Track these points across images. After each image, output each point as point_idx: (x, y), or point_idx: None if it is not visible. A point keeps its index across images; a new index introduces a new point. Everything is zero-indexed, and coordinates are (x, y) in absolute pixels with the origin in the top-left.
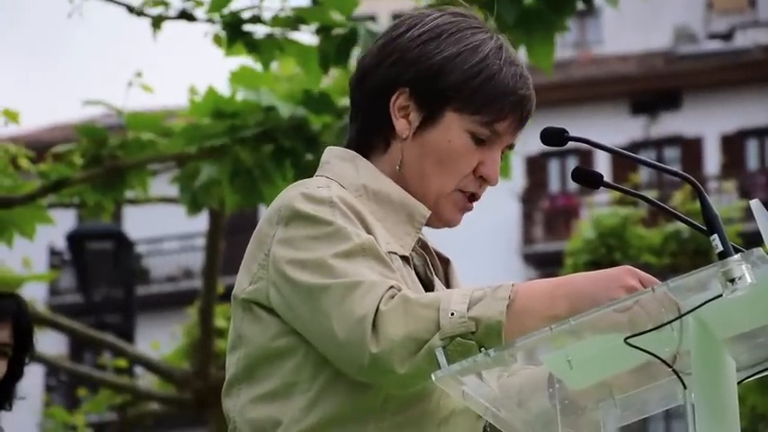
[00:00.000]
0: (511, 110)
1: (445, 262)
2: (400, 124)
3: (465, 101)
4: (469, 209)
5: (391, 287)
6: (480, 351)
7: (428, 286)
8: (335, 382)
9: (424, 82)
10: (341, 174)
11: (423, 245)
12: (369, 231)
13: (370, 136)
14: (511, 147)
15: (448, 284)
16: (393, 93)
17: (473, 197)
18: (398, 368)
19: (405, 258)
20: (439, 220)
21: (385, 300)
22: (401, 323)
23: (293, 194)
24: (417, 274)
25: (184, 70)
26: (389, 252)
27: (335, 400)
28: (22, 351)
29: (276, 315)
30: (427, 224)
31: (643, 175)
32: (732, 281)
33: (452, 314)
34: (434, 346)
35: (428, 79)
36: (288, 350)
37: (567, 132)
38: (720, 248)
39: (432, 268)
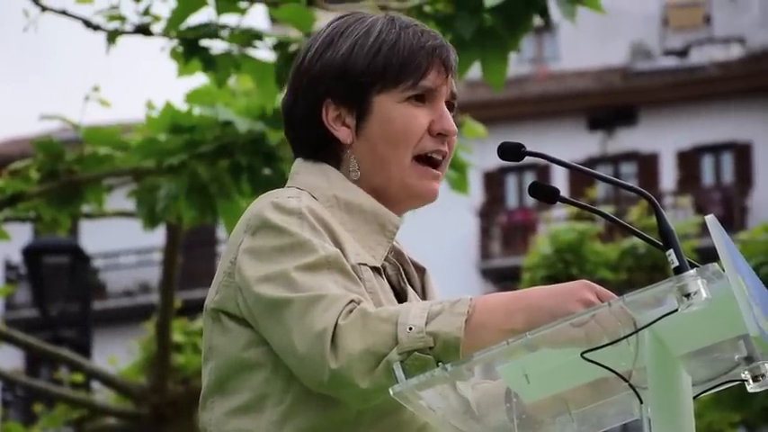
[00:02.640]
0: (428, 63)
1: (421, 271)
2: (342, 133)
3: (382, 79)
4: (439, 176)
5: (351, 301)
6: (438, 365)
7: (401, 296)
8: (308, 395)
9: (338, 86)
10: (312, 184)
11: (397, 254)
12: (337, 243)
13: (322, 158)
14: (453, 96)
15: (424, 293)
16: (320, 111)
17: (442, 159)
18: (359, 382)
19: (377, 269)
20: (414, 196)
21: (344, 314)
22: (359, 338)
23: (263, 204)
24: (391, 283)
25: (141, 84)
26: (360, 264)
27: (308, 413)
28: None
29: (245, 325)
30: (408, 206)
31: (600, 190)
32: (688, 296)
33: (410, 329)
34: (392, 361)
35: (340, 81)
36: (257, 362)
37: (525, 147)
38: (676, 263)
39: (405, 277)
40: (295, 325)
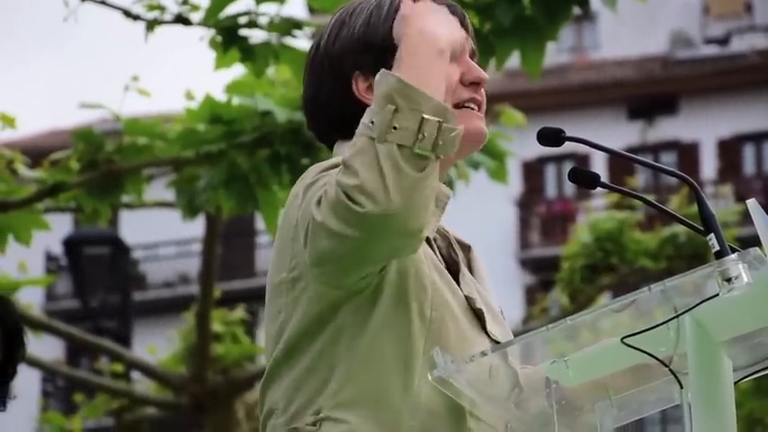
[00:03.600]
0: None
1: (467, 249)
2: None
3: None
4: (481, 116)
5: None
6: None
7: (451, 267)
8: (369, 355)
9: (364, 56)
10: None
11: (441, 232)
12: None
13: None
14: (473, 54)
15: (471, 271)
16: (350, 87)
17: (478, 106)
18: (383, 199)
19: (427, 240)
20: (466, 140)
21: (332, 175)
22: (351, 170)
23: (310, 171)
24: (441, 255)
25: (181, 75)
26: None
27: (370, 373)
28: (11, 351)
29: (312, 293)
30: (462, 152)
31: (640, 179)
32: (729, 280)
33: (371, 122)
34: (389, 151)
35: (364, 51)
36: (325, 326)
37: (564, 132)
38: (717, 248)
39: (455, 250)
40: (328, 215)
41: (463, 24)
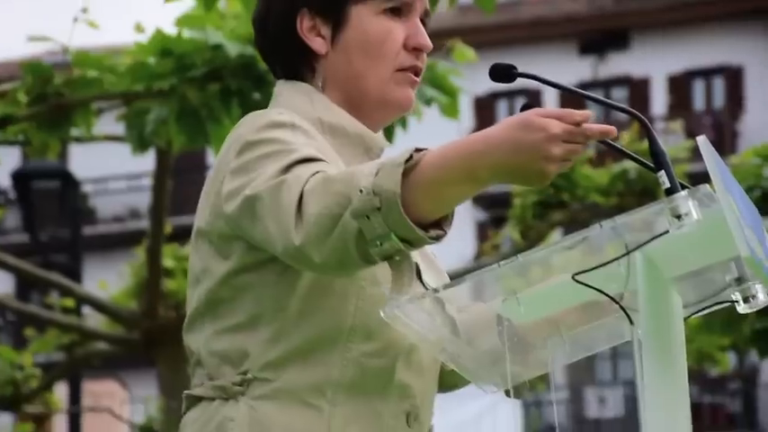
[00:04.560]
0: None
1: None
2: (317, 43)
3: None
4: (416, 83)
5: (318, 172)
6: (394, 236)
7: None
8: (299, 314)
9: None
10: (296, 106)
11: None
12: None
13: (295, 69)
14: (427, 14)
15: None
16: (294, 22)
17: (416, 72)
18: (318, 249)
19: None
20: (392, 107)
21: (309, 182)
22: (319, 201)
23: (249, 125)
24: None
25: (130, 7)
26: None
27: (300, 331)
28: None
29: (239, 247)
30: (385, 119)
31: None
32: (679, 217)
33: (361, 190)
34: (347, 226)
35: None
36: (249, 283)
37: (516, 68)
38: (667, 185)
39: None
40: (267, 213)
41: None
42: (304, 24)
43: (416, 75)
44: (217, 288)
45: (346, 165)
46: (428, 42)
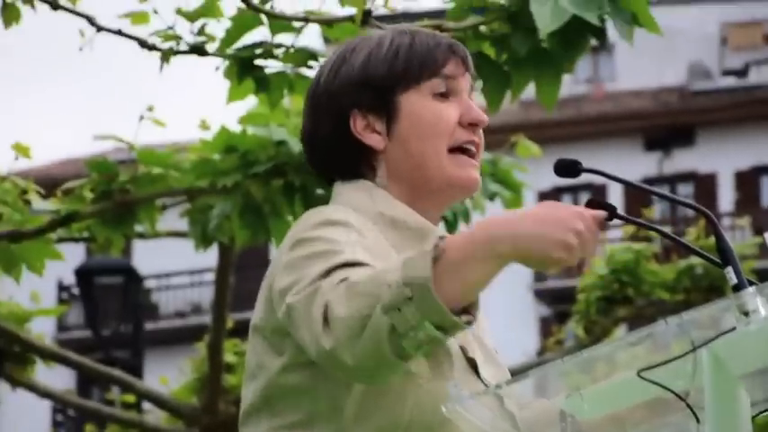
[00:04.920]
0: (445, 55)
1: None
2: (374, 140)
3: (404, 78)
4: (476, 164)
5: (344, 279)
6: (426, 325)
7: None
8: (356, 415)
9: (362, 93)
10: (356, 203)
11: None
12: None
13: (355, 173)
14: (473, 89)
15: None
16: (347, 125)
17: (474, 151)
18: (350, 353)
19: None
20: (455, 187)
21: (333, 290)
22: (345, 305)
23: (306, 220)
24: None
25: (195, 105)
26: None
27: (357, 430)
28: None
29: (290, 343)
30: (450, 200)
31: (656, 210)
32: (746, 314)
33: (390, 285)
34: (379, 322)
35: (363, 88)
36: (303, 382)
37: (580, 164)
38: (734, 281)
39: None
40: (302, 322)
41: (463, 60)
42: (357, 124)
43: (476, 150)
44: (272, 384)
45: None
46: (483, 116)
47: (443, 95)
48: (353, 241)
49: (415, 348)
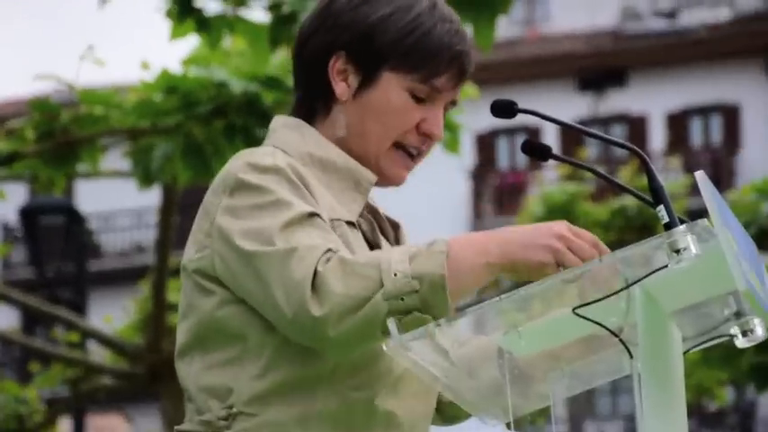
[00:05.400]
0: (447, 66)
1: (395, 227)
2: (340, 88)
3: (401, 60)
4: (411, 166)
5: (329, 249)
6: (424, 316)
7: (375, 250)
8: (285, 349)
9: (359, 44)
10: (287, 142)
11: (372, 210)
12: (313, 198)
13: (311, 102)
14: (454, 103)
15: None
16: (330, 57)
17: (417, 155)
18: (341, 327)
19: (351, 224)
20: (383, 178)
21: (323, 261)
22: (341, 282)
23: (239, 164)
24: (366, 239)
25: (136, 45)
26: (334, 219)
27: (286, 366)
28: None
29: (222, 285)
30: (375, 185)
31: (590, 151)
32: (678, 252)
33: (395, 274)
34: (378, 307)
35: (363, 41)
36: (234, 319)
37: (516, 104)
38: (666, 220)
39: (381, 233)
40: (274, 277)
41: (462, 74)
42: (336, 65)
43: (418, 155)
44: (203, 323)
45: (335, 197)
46: (440, 134)
47: (419, 98)
48: (291, 192)
49: (401, 329)
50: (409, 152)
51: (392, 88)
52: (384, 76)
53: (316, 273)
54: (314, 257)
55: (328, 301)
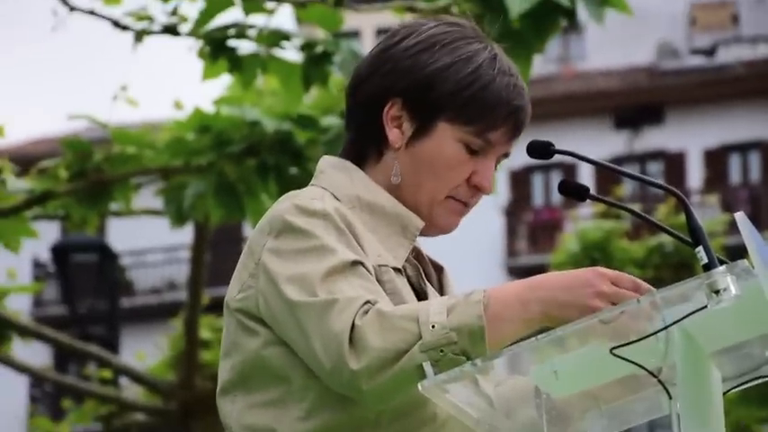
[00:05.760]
0: (504, 120)
1: (439, 270)
2: (393, 134)
3: (457, 111)
4: (464, 213)
5: (367, 302)
6: (465, 360)
7: (421, 296)
8: (328, 394)
9: (416, 92)
10: (335, 184)
11: (417, 253)
12: (359, 244)
13: (363, 145)
14: (506, 155)
15: (441, 292)
16: (386, 102)
17: (467, 205)
18: (379, 380)
19: (397, 270)
20: (435, 227)
21: (360, 314)
22: (378, 336)
23: (286, 206)
24: (411, 284)
25: (169, 84)
26: (380, 265)
27: (329, 410)
28: None
29: (266, 325)
30: (423, 233)
31: (626, 189)
32: (717, 292)
33: (433, 326)
34: (416, 358)
35: (421, 89)
36: (278, 360)
37: (553, 145)
38: (705, 260)
39: (425, 277)
40: (313, 328)
41: (518, 128)
42: (391, 111)
43: (468, 205)
44: (247, 362)
45: (382, 242)
46: (491, 186)
47: (472, 151)
48: (336, 239)
49: (437, 371)
50: (460, 203)
51: (446, 139)
52: (439, 127)
53: (354, 326)
54: (352, 310)
55: (366, 355)
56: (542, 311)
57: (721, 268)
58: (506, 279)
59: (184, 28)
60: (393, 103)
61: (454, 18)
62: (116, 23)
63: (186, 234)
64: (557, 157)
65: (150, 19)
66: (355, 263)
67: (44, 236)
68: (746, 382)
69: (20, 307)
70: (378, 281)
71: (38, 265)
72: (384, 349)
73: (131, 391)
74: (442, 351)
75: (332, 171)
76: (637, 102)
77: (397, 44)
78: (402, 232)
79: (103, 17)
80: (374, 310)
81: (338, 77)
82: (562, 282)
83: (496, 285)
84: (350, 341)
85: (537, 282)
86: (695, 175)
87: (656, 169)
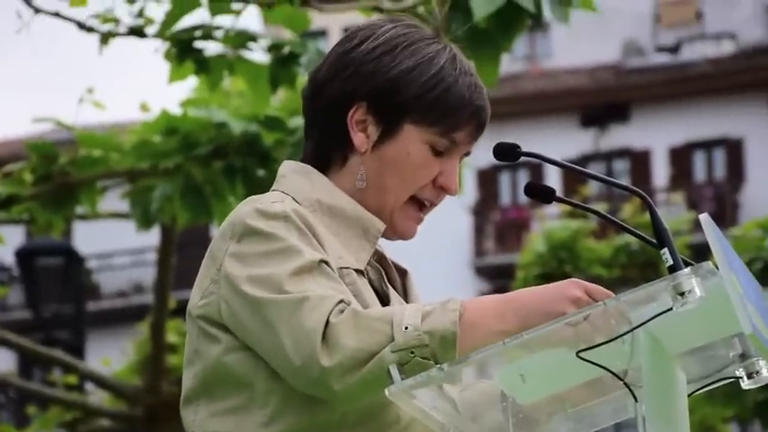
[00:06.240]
0: (468, 120)
1: (402, 273)
2: (358, 138)
3: (422, 113)
4: (421, 219)
5: (341, 300)
6: (433, 366)
7: (384, 299)
8: (292, 397)
9: (381, 96)
10: (295, 188)
11: (379, 257)
12: (321, 245)
13: (327, 150)
14: (467, 154)
15: (405, 296)
16: (350, 107)
17: (427, 207)
18: (349, 380)
19: (359, 272)
20: (394, 232)
21: (335, 312)
22: (352, 335)
23: (247, 210)
24: (373, 287)
25: (135, 86)
26: (342, 267)
27: (293, 414)
28: None
29: (228, 331)
30: (385, 237)
31: (593, 187)
32: (682, 294)
33: (406, 327)
34: (386, 359)
35: (385, 93)
36: (240, 366)
37: (520, 148)
38: (670, 262)
39: (387, 281)
40: (283, 325)
41: (480, 128)
42: (356, 115)
43: (429, 207)
44: (209, 370)
45: (343, 245)
46: (456, 187)
47: (437, 152)
48: (299, 240)
49: (403, 376)
50: (422, 204)
51: (412, 141)
52: (405, 129)
53: (328, 323)
54: (326, 308)
55: (338, 353)
56: (519, 322)
57: (686, 270)
58: (473, 278)
59: (151, 30)
60: (358, 107)
61: (409, 19)
62: (81, 25)
63: (153, 237)
64: (524, 158)
65: (116, 21)
66: (321, 262)
67: (9, 240)
68: (712, 383)
69: None
70: None
71: (2, 269)
72: (358, 349)
73: (97, 396)
74: (412, 353)
75: (293, 176)
76: (603, 100)
77: (357, 47)
78: (363, 235)
79: (69, 19)
80: (350, 309)
81: (305, 78)
82: (537, 292)
83: (471, 297)
84: (323, 338)
85: (512, 295)
86: (661, 172)
87: (622, 167)
